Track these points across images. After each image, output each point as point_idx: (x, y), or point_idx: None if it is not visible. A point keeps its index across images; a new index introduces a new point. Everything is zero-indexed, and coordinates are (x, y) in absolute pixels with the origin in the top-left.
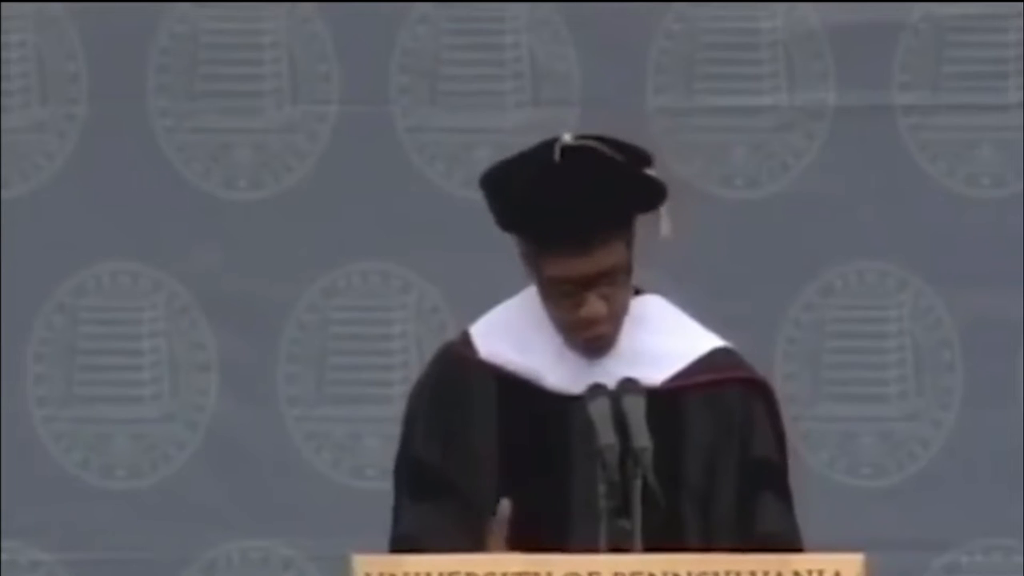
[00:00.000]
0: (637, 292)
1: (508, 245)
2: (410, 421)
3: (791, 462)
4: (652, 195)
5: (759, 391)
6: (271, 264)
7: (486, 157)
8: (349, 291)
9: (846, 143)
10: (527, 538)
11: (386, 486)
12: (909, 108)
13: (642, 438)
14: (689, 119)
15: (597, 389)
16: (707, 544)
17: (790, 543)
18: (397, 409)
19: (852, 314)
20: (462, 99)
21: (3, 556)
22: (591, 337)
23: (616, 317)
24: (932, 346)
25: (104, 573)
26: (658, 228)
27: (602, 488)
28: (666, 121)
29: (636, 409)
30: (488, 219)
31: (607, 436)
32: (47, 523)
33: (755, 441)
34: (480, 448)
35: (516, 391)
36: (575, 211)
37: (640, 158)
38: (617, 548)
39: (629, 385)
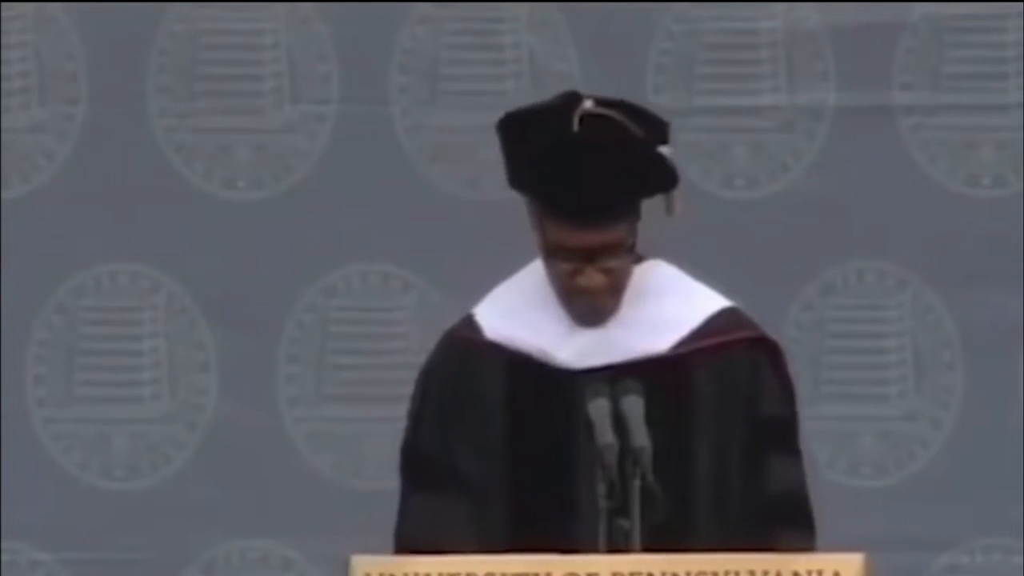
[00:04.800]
0: (639, 259)
1: (509, 245)
2: (416, 411)
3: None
4: (665, 179)
5: (765, 349)
6: (271, 264)
7: (486, 157)
8: (349, 291)
9: (846, 143)
10: (531, 526)
11: (386, 486)
12: (909, 108)
13: (641, 438)
14: (689, 119)
15: (596, 389)
16: (718, 511)
17: (799, 500)
18: (397, 409)
19: (852, 314)
20: (462, 99)
21: (3, 556)
22: (588, 306)
23: (616, 290)
24: (932, 346)
25: (104, 573)
26: (665, 210)
27: (601, 488)
28: None
29: (635, 409)
30: (488, 219)
31: (606, 436)
32: (47, 523)
33: (763, 400)
34: (489, 434)
35: (526, 371)
36: (587, 186)
37: (658, 129)
38: (616, 548)
39: (628, 385)
